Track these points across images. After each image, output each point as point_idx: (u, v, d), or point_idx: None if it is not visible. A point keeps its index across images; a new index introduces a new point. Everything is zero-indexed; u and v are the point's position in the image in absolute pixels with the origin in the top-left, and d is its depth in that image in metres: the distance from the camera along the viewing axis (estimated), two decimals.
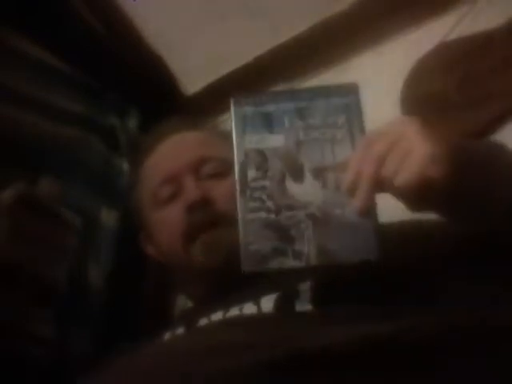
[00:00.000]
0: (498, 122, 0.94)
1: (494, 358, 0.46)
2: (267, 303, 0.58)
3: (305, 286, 0.58)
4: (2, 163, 0.93)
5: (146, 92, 1.23)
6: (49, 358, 0.80)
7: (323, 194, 0.54)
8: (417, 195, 0.51)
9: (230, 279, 0.64)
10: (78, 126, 1.12)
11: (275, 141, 0.56)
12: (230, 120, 0.58)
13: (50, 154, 1.04)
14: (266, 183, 0.55)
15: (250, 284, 0.60)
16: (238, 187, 0.55)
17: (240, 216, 0.54)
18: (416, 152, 0.50)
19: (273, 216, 0.53)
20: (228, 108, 0.58)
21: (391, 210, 0.57)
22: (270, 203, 0.54)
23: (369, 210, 0.52)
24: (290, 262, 0.52)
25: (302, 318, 0.56)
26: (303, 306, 0.56)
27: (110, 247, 1.08)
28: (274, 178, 0.55)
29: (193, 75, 1.29)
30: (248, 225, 0.53)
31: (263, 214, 0.54)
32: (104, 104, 1.20)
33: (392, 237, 0.56)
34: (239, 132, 0.57)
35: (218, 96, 1.16)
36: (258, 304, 0.59)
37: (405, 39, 1.11)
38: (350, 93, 0.57)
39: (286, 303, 0.57)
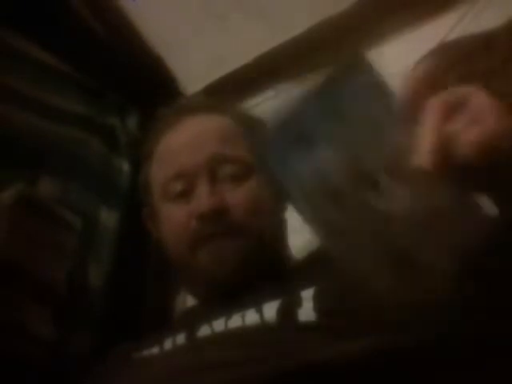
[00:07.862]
0: None
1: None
2: (270, 311, 0.57)
3: (307, 294, 0.56)
4: (1, 163, 0.93)
5: (146, 92, 1.23)
6: (49, 358, 0.80)
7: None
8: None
9: (235, 288, 0.64)
10: (78, 126, 1.11)
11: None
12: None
13: (50, 154, 1.04)
14: None
15: (252, 289, 0.59)
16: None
17: None
18: (487, 121, 0.44)
19: None
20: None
21: None
22: None
23: None
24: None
25: (304, 331, 0.54)
26: (306, 315, 0.55)
27: (110, 247, 1.08)
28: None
29: (193, 75, 1.28)
30: None
31: None
32: (104, 104, 1.19)
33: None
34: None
35: (217, 96, 1.16)
36: (260, 311, 0.57)
37: (405, 39, 1.11)
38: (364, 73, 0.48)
39: (288, 312, 0.56)
